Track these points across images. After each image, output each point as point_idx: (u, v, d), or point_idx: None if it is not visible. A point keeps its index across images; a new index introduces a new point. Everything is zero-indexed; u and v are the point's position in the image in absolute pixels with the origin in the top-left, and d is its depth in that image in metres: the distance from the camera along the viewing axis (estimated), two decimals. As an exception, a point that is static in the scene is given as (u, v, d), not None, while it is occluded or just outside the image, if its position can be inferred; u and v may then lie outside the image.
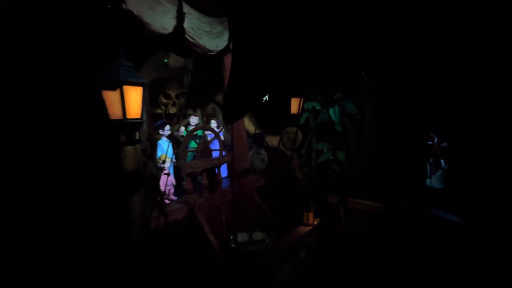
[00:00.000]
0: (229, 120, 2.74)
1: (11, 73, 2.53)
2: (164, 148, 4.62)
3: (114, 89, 2.57)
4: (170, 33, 3.10)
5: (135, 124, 2.75)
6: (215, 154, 5.08)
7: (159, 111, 5.31)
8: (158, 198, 3.96)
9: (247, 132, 5.92)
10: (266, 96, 6.51)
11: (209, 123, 5.67)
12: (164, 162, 4.21)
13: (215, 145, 5.48)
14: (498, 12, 3.11)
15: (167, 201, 4.16)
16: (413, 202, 4.51)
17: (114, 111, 2.63)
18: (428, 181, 6.09)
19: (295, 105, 5.55)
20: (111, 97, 2.61)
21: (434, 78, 4.04)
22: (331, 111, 7.16)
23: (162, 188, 4.20)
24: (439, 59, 3.78)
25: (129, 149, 2.75)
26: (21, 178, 2.49)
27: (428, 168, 6.03)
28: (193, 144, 5.00)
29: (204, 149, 4.79)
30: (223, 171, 5.50)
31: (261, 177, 5.60)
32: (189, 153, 5.12)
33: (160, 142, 4.55)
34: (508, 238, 3.18)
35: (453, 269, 3.12)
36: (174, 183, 4.44)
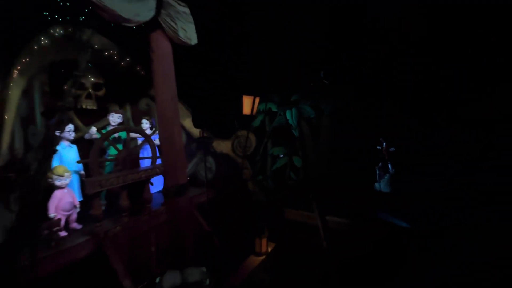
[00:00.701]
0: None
1: None
2: (65, 157, 3.33)
3: None
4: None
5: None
6: (147, 163, 3.96)
7: (67, 105, 3.93)
8: (45, 231, 2.70)
9: (191, 136, 4.90)
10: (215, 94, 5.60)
11: (140, 123, 4.48)
12: (59, 177, 2.95)
13: (147, 152, 4.34)
14: (498, 12, 3.11)
15: (63, 234, 2.90)
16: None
17: None
18: (377, 185, 6.08)
19: (248, 105, 4.76)
20: None
21: (434, 78, 3.92)
22: (287, 114, 6.64)
23: (55, 215, 2.92)
24: (439, 59, 3.68)
25: None
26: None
27: (377, 172, 6.03)
28: (112, 151, 3.79)
29: (128, 157, 3.63)
30: (157, 184, 4.37)
31: (206, 190, 4.63)
32: (108, 163, 3.89)
33: (58, 148, 3.25)
34: (504, 239, 3.14)
35: (450, 269, 3.08)
36: (78, 206, 3.18)
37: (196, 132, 4.70)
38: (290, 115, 6.62)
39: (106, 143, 3.64)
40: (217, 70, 5.09)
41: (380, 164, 6.19)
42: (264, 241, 3.28)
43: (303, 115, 6.68)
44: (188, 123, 4.73)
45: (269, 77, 6.46)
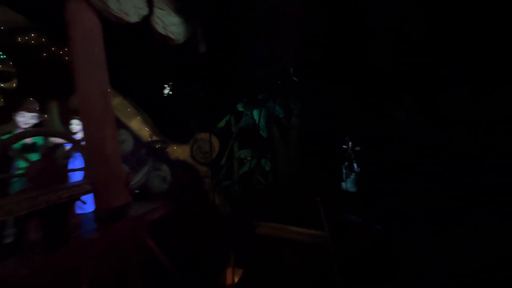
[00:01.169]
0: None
1: None
2: None
3: None
4: None
5: None
6: (79, 177, 3.06)
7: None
8: None
9: (140, 140, 4.05)
10: (169, 90, 4.78)
11: (68, 124, 3.53)
12: None
13: (80, 162, 3.42)
14: (498, 12, 3.15)
15: None
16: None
17: None
18: (343, 184, 5.99)
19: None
20: None
21: (434, 78, 3.78)
22: (255, 114, 6.14)
23: None
24: (439, 59, 3.67)
25: None
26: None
27: (344, 172, 5.96)
28: (22, 164, 2.82)
29: (47, 171, 2.71)
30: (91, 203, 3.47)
31: (160, 204, 3.85)
32: (17, 180, 2.91)
33: None
34: (504, 239, 3.14)
35: (450, 269, 3.05)
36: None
37: (146, 135, 3.89)
38: (257, 115, 6.15)
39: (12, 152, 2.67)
40: (174, 60, 4.32)
41: (346, 163, 6.10)
42: (229, 270, 2.67)
43: (272, 115, 6.24)
44: (135, 124, 3.89)
45: (235, 75, 5.88)
